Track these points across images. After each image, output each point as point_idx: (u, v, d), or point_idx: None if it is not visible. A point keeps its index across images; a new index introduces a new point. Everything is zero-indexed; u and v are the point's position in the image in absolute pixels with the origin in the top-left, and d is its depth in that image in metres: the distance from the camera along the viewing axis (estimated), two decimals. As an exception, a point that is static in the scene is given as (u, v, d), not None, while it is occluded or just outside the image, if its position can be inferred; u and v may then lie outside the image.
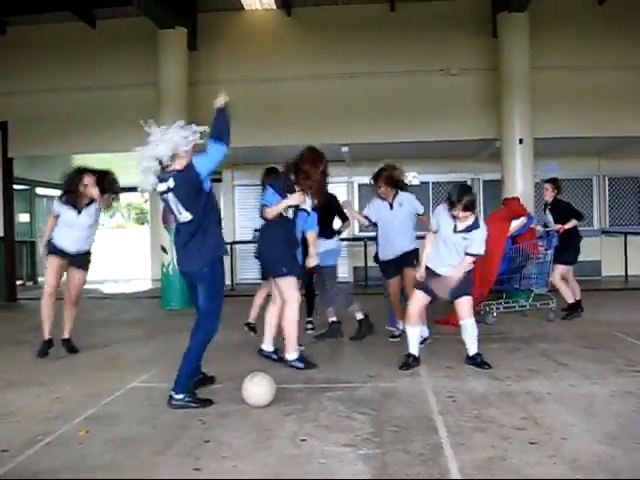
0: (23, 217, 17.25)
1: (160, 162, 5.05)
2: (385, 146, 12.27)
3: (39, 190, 18.54)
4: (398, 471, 3.57)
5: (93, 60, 12.50)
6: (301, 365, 6.06)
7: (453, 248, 6.01)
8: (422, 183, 14.62)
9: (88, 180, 7.10)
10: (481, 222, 6.03)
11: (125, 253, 28.65)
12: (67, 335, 7.31)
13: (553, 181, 9.23)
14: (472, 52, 12.05)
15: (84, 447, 4.07)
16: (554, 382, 5.43)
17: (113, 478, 3.58)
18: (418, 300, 6.12)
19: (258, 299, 7.84)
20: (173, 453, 3.93)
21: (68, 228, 7.04)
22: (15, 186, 13.87)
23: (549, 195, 9.19)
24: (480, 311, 8.35)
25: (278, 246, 6.07)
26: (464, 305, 6.05)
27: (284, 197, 6.04)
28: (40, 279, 17.73)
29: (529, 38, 10.99)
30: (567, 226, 8.89)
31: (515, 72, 10.95)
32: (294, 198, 6.02)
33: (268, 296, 7.14)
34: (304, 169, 6.12)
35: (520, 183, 10.82)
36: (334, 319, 7.74)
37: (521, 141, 10.83)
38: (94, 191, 7.12)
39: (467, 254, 5.97)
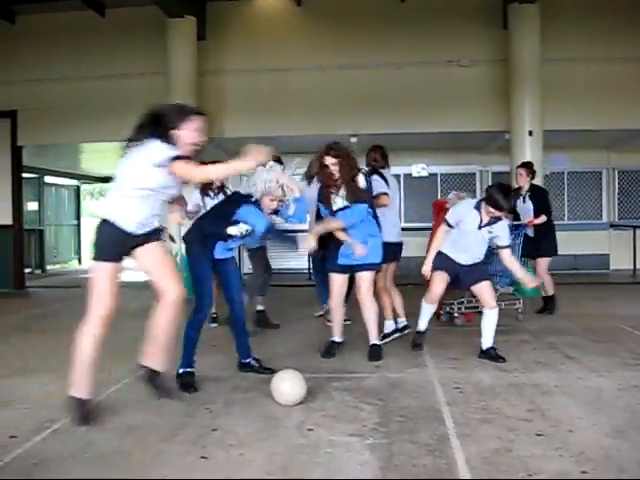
0: (32, 205, 17.31)
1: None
2: (394, 137, 12.24)
3: (48, 179, 18.59)
4: (405, 461, 3.57)
5: (102, 49, 12.51)
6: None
7: (474, 242, 5.95)
8: (431, 175, 14.61)
9: None
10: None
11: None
12: None
13: (527, 165, 8.77)
14: (482, 43, 12.00)
15: (91, 434, 4.09)
16: (561, 374, 5.42)
17: (121, 465, 3.59)
18: (441, 279, 6.07)
19: None
20: (180, 441, 3.94)
21: None
22: (24, 174, 13.89)
23: (523, 181, 8.64)
24: (440, 312, 7.93)
25: None
26: (486, 290, 5.99)
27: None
28: (49, 267, 17.84)
29: (539, 30, 10.94)
30: (537, 221, 8.45)
31: (525, 64, 10.91)
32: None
33: None
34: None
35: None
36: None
37: (531, 133, 10.81)
38: None
39: (501, 247, 5.96)
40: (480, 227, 5.88)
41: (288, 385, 4.62)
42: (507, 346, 6.24)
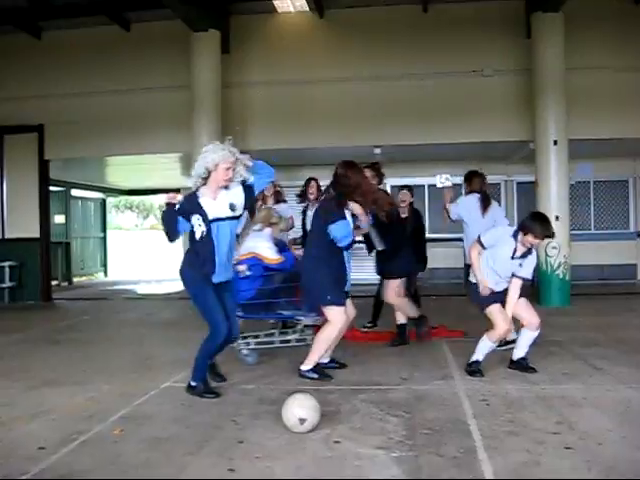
0: (58, 218, 17.49)
1: None
2: (418, 148, 12.24)
3: (74, 192, 18.79)
4: (432, 474, 3.55)
5: (127, 63, 12.63)
6: (314, 376, 5.83)
7: (503, 269, 5.84)
8: (454, 185, 14.53)
9: None
10: (533, 249, 5.88)
11: (158, 254, 28.87)
12: None
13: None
14: (505, 53, 11.94)
15: (119, 446, 4.11)
16: (589, 386, 5.36)
17: (148, 478, 3.61)
18: (503, 313, 5.84)
19: None
20: (207, 453, 3.95)
21: None
22: (51, 187, 14.05)
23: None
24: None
25: (324, 272, 5.84)
26: (523, 309, 5.89)
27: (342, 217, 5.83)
28: (75, 279, 18.01)
29: (563, 38, 10.85)
30: None
31: (549, 73, 10.82)
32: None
33: None
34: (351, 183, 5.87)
35: (554, 185, 10.70)
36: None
37: (556, 142, 10.71)
38: None
39: (516, 276, 5.82)
40: (513, 257, 5.80)
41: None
42: (534, 358, 6.17)
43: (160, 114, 12.46)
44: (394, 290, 7.18)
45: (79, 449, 4.08)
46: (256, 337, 6.74)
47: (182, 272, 5.36)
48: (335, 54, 12.31)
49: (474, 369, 5.84)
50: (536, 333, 5.88)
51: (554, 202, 10.63)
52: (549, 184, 10.73)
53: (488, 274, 5.88)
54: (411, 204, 8.34)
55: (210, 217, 5.16)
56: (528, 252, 5.78)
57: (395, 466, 3.68)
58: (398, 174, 12.62)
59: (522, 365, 5.92)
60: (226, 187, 5.29)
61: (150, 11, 12.00)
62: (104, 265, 20.70)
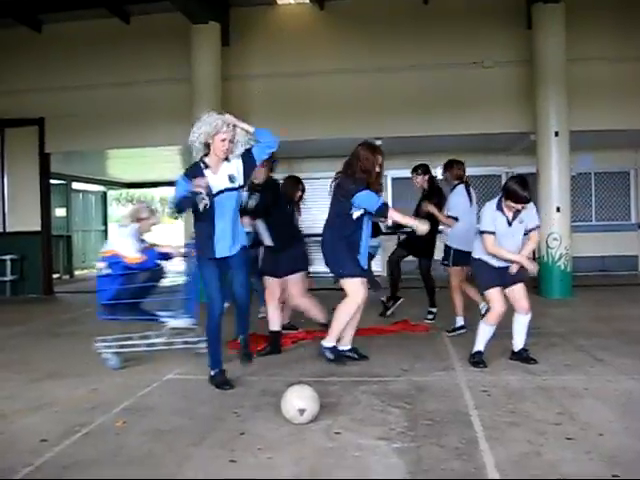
0: (59, 211, 17.49)
1: None
2: (419, 139, 12.22)
3: (75, 185, 18.78)
4: (433, 465, 3.56)
5: (127, 56, 12.60)
6: (331, 356, 5.96)
7: (512, 240, 5.83)
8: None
9: None
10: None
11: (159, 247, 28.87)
12: None
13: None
14: (506, 44, 11.90)
15: (121, 438, 4.13)
16: (591, 377, 5.37)
17: (150, 469, 3.62)
18: (500, 296, 5.84)
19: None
20: (209, 445, 3.97)
21: None
22: (51, 181, 14.05)
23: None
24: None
25: (339, 247, 5.93)
26: (520, 293, 5.88)
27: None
28: (77, 272, 18.02)
29: (564, 29, 10.81)
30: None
31: (550, 64, 10.78)
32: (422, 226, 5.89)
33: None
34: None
35: (556, 176, 10.67)
36: None
37: (557, 134, 10.67)
38: None
39: (530, 230, 5.85)
40: (510, 224, 5.82)
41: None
42: (536, 349, 6.17)
43: (160, 107, 12.43)
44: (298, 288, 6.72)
45: (81, 441, 4.09)
46: (117, 340, 6.24)
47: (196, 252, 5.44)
48: (335, 46, 12.28)
49: (477, 360, 5.85)
50: (528, 317, 5.88)
51: (555, 193, 10.62)
52: (550, 175, 10.70)
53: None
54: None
55: (214, 191, 5.16)
56: (518, 211, 5.77)
57: (396, 457, 3.69)
58: (398, 166, 12.59)
59: (523, 356, 5.92)
60: (226, 159, 5.28)
61: (150, 4, 11.99)
62: (105, 258, 20.68)
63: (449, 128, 11.97)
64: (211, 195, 5.12)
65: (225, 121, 5.24)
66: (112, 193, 24.50)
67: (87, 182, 19.55)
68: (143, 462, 3.71)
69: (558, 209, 10.57)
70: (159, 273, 6.26)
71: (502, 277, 5.86)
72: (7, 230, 13.22)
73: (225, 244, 5.27)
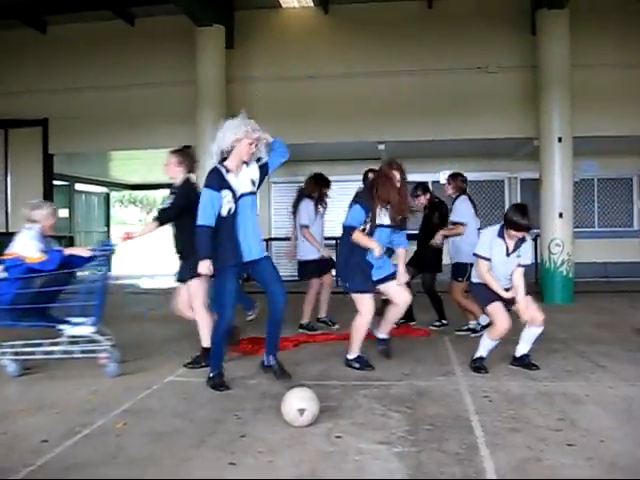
0: (62, 212, 17.49)
1: None
2: (422, 144, 12.24)
3: (78, 186, 18.80)
4: (433, 470, 3.55)
5: (132, 58, 12.67)
6: (357, 365, 5.97)
7: (504, 269, 5.84)
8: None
9: None
10: (526, 235, 5.87)
11: (162, 249, 28.89)
12: None
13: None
14: (510, 49, 11.95)
15: (121, 439, 4.12)
16: (592, 384, 5.36)
17: (151, 471, 3.62)
18: (502, 311, 5.80)
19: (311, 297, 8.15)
20: (209, 447, 3.96)
21: None
22: (55, 182, 14.07)
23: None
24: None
25: (349, 261, 5.97)
26: (532, 306, 5.86)
27: (368, 213, 5.88)
28: (78, 274, 18.00)
29: (568, 35, 10.83)
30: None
31: (554, 69, 10.80)
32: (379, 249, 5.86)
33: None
34: (378, 182, 5.98)
35: (558, 182, 10.67)
36: None
37: (560, 139, 10.68)
38: None
39: (520, 266, 5.81)
40: (508, 254, 5.80)
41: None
42: (537, 355, 6.16)
43: (164, 109, 12.48)
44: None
45: (82, 442, 4.09)
46: (13, 347, 5.85)
47: (215, 257, 5.24)
48: (339, 50, 12.32)
49: (478, 365, 5.84)
50: (540, 329, 5.87)
51: (558, 199, 10.62)
52: (553, 181, 10.70)
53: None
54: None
55: (238, 193, 5.21)
56: (520, 241, 5.78)
57: (397, 461, 3.69)
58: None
59: (525, 362, 5.91)
60: (246, 163, 5.33)
61: (154, 6, 12.03)
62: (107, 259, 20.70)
63: (453, 133, 11.99)
64: (236, 199, 5.18)
65: (253, 127, 5.26)
66: (115, 195, 24.53)
67: (90, 183, 19.58)
68: (143, 464, 3.70)
69: (561, 215, 10.58)
70: (65, 277, 6.00)
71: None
72: (10, 230, 13.22)
73: (250, 247, 5.29)
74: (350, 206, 6.04)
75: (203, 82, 11.54)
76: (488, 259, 5.82)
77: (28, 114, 12.92)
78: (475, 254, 5.94)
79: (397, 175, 5.95)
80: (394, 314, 6.28)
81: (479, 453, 3.79)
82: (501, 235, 5.78)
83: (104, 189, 20.89)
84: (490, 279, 5.81)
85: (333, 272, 7.93)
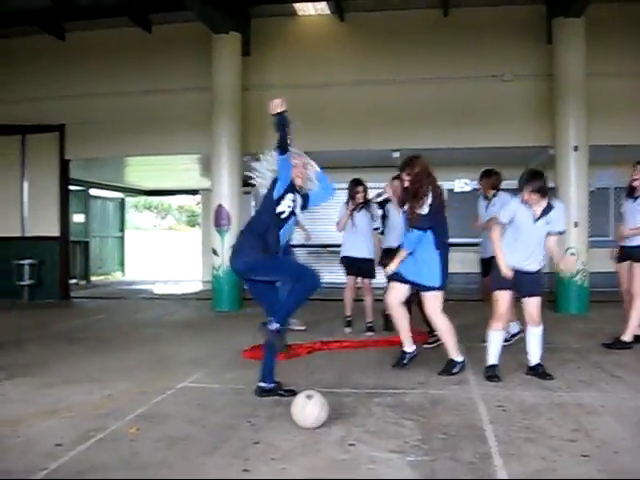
0: (78, 217, 17.62)
1: None
2: (437, 152, 12.17)
3: (94, 191, 18.92)
4: (446, 479, 3.54)
5: (148, 64, 12.71)
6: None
7: (534, 240, 5.83)
8: (474, 190, 14.49)
9: None
10: (556, 202, 5.93)
11: (176, 255, 29.02)
12: None
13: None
14: (526, 58, 11.89)
15: (135, 444, 4.14)
16: (606, 394, 5.33)
17: (164, 477, 3.63)
18: (506, 300, 5.91)
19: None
20: (222, 453, 3.97)
21: None
22: (71, 187, 14.17)
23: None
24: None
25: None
26: (533, 306, 5.87)
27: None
28: (93, 278, 18.13)
29: (585, 44, 10.79)
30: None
31: (570, 78, 10.76)
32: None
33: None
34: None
35: (574, 191, 10.63)
36: None
37: (576, 148, 10.63)
38: None
39: (552, 234, 5.85)
40: (536, 220, 5.80)
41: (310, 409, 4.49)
42: (551, 364, 6.13)
43: (180, 115, 12.52)
44: None
45: (96, 447, 4.11)
46: None
47: (245, 261, 5.17)
48: (355, 57, 12.32)
49: (491, 374, 5.82)
50: (538, 329, 5.88)
51: (573, 208, 10.55)
52: (568, 190, 10.65)
53: (516, 252, 5.85)
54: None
55: (296, 204, 5.29)
56: (548, 208, 5.79)
57: (410, 470, 3.68)
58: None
59: (538, 371, 5.89)
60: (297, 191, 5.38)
61: (172, 13, 12.07)
62: (122, 264, 20.84)
63: (467, 141, 11.95)
64: (294, 206, 5.29)
65: (296, 152, 5.41)
66: (130, 200, 24.65)
67: (106, 189, 19.69)
68: (156, 469, 3.72)
69: (576, 224, 10.52)
70: None
71: (518, 283, 5.85)
72: (26, 235, 13.34)
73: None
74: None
75: (219, 89, 11.56)
76: (504, 224, 5.90)
77: (45, 120, 13.00)
78: (495, 218, 6.00)
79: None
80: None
81: (493, 463, 3.78)
82: (523, 201, 5.80)
83: (119, 194, 21.01)
84: (499, 246, 5.87)
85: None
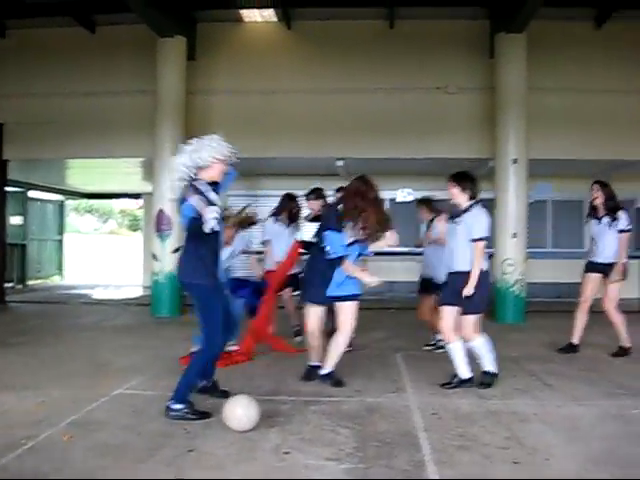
0: (15, 220, 17.20)
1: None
2: (380, 162, 12.31)
3: (32, 193, 18.51)
4: (380, 486, 3.57)
5: (91, 66, 12.50)
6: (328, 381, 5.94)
7: (453, 242, 5.97)
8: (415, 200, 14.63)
9: None
10: (477, 208, 5.94)
11: (117, 259, 28.59)
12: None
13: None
14: (470, 71, 12.10)
15: (67, 452, 4.06)
16: (540, 402, 5.44)
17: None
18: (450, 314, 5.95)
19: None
20: (156, 461, 3.92)
21: None
22: (8, 188, 13.84)
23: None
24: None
25: (311, 272, 6.05)
26: (464, 323, 5.90)
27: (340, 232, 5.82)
28: (31, 282, 17.72)
29: (526, 59, 11.03)
30: None
31: (511, 92, 10.99)
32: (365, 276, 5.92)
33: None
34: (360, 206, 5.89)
35: (513, 203, 10.83)
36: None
37: (515, 161, 10.85)
38: None
39: (473, 240, 5.81)
40: (453, 220, 6.04)
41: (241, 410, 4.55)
42: (487, 373, 6.23)
43: (124, 118, 12.35)
44: None
45: (27, 454, 4.01)
46: None
47: (192, 283, 5.02)
48: (301, 65, 12.35)
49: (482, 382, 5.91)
50: (475, 342, 5.94)
51: (512, 220, 10.77)
52: (507, 202, 10.85)
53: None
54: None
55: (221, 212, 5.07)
56: (466, 210, 5.93)
57: (344, 477, 3.69)
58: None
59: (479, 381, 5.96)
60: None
61: (116, 14, 11.92)
62: (61, 268, 20.41)
63: (412, 151, 12.08)
64: (220, 215, 5.06)
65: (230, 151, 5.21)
66: (71, 203, 24.19)
67: (45, 191, 19.28)
68: (88, 477, 3.65)
69: (514, 235, 10.74)
70: None
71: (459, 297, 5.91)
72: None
73: (221, 268, 5.22)
74: (321, 232, 5.94)
75: (163, 93, 11.43)
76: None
77: (-18, 119, 12.70)
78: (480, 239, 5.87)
79: (371, 191, 6.00)
80: (337, 346, 6.03)
81: (426, 470, 3.82)
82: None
83: (60, 197, 20.60)
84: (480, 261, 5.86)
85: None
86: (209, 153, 5.04)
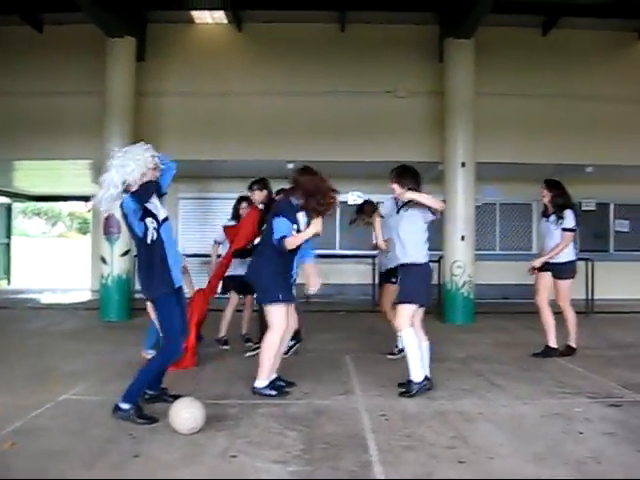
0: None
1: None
2: (331, 164, 12.29)
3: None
4: (326, 488, 3.59)
5: (38, 65, 12.29)
6: (272, 393, 5.67)
7: (395, 230, 6.06)
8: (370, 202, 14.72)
9: None
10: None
11: (66, 263, 28.14)
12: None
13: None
14: (419, 75, 12.25)
15: (10, 459, 3.98)
16: (486, 402, 5.52)
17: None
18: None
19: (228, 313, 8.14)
20: (102, 466, 3.88)
21: None
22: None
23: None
24: None
25: (273, 272, 5.70)
26: (397, 311, 5.88)
27: (294, 222, 5.68)
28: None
29: (474, 64, 11.19)
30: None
31: (460, 97, 11.13)
32: (316, 225, 5.69)
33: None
34: (315, 190, 5.82)
35: (461, 206, 10.96)
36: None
37: (463, 164, 10.99)
38: None
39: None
40: (398, 211, 6.13)
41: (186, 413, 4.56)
42: (435, 374, 6.27)
43: (72, 119, 12.16)
44: None
45: (-33, 463, 3.93)
46: None
47: (149, 286, 5.04)
48: (252, 68, 12.34)
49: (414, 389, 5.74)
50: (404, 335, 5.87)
51: (460, 222, 10.90)
52: (456, 205, 10.97)
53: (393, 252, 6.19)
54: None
55: (160, 218, 5.04)
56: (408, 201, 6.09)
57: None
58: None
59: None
60: None
61: (65, 14, 11.74)
62: (7, 273, 20.00)
63: (361, 155, 12.17)
64: (159, 223, 5.01)
65: (154, 153, 5.15)
66: (18, 205, 23.73)
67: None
68: (30, 484, 3.60)
69: (463, 238, 10.87)
70: None
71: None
72: None
73: (176, 271, 5.12)
74: (271, 220, 5.74)
75: (112, 94, 11.27)
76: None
77: None
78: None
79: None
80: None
81: (373, 470, 3.86)
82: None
83: (6, 199, 20.18)
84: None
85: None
86: (136, 170, 5.00)
